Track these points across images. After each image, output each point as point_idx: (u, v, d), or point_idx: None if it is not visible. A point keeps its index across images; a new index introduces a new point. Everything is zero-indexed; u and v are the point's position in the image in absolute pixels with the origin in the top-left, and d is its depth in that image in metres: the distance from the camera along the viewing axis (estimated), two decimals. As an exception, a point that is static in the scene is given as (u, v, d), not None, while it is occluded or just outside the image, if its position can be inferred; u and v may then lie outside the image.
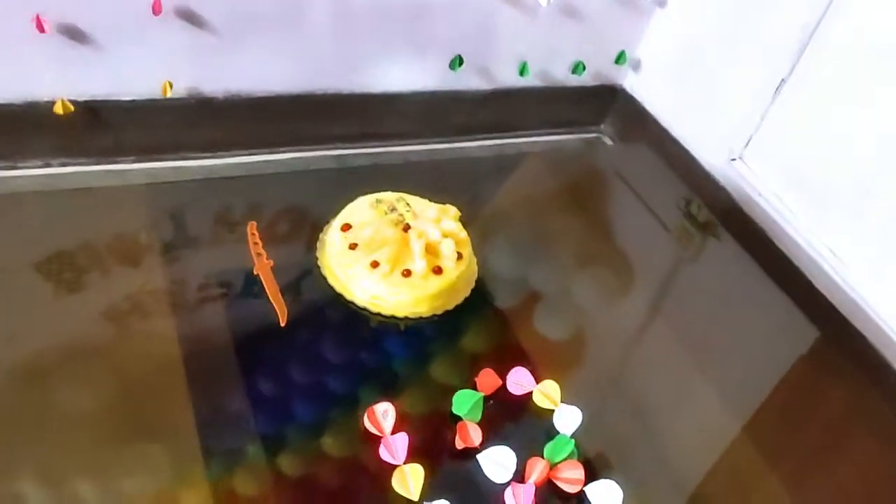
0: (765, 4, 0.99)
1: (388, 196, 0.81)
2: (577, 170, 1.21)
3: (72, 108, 0.84)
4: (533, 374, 0.73)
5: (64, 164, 0.89)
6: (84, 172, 0.89)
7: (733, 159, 1.06)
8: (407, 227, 0.76)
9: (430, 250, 0.75)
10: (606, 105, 1.24)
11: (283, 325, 0.71)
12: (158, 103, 0.90)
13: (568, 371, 0.77)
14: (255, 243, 0.78)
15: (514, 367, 0.73)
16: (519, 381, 0.72)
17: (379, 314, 0.74)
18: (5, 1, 0.76)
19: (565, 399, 0.72)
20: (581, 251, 1.02)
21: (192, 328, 0.73)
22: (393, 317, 0.74)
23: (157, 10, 0.82)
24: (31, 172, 0.87)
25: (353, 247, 0.75)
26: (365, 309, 0.74)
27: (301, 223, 0.90)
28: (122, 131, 0.90)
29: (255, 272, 0.76)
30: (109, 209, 0.87)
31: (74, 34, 0.81)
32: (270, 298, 0.73)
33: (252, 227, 0.80)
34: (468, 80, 1.08)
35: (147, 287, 0.75)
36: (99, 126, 0.88)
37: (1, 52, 0.79)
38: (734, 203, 1.06)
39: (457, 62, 1.03)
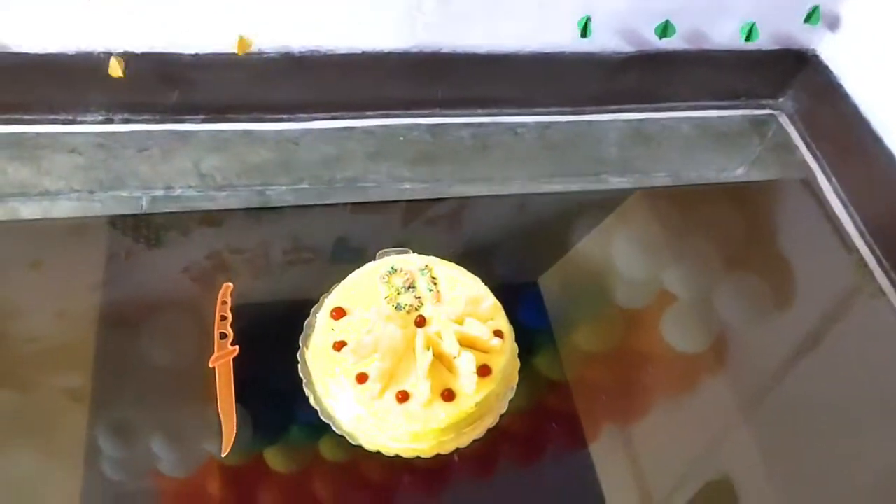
0: None
1: (409, 264, 0.57)
2: (739, 154, 0.97)
3: (122, 68, 0.76)
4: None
5: (126, 121, 0.82)
6: (147, 131, 0.82)
7: (954, 169, 0.78)
8: (421, 321, 0.54)
9: (445, 362, 0.53)
10: (789, 75, 0.97)
11: (224, 453, 0.51)
12: (229, 58, 0.80)
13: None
14: (224, 316, 0.57)
15: None
16: None
17: (360, 447, 0.52)
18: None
19: None
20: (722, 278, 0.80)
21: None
22: (379, 453, 0.52)
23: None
24: (92, 129, 0.81)
25: (339, 346, 0.53)
26: (344, 438, 0.52)
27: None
28: (190, 88, 0.82)
29: (210, 364, 0.55)
30: (181, 171, 0.81)
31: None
32: (219, 410, 0.53)
33: (225, 293, 0.59)
34: (602, 41, 0.87)
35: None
36: (165, 81, 0.80)
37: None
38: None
39: (585, 26, 0.82)
